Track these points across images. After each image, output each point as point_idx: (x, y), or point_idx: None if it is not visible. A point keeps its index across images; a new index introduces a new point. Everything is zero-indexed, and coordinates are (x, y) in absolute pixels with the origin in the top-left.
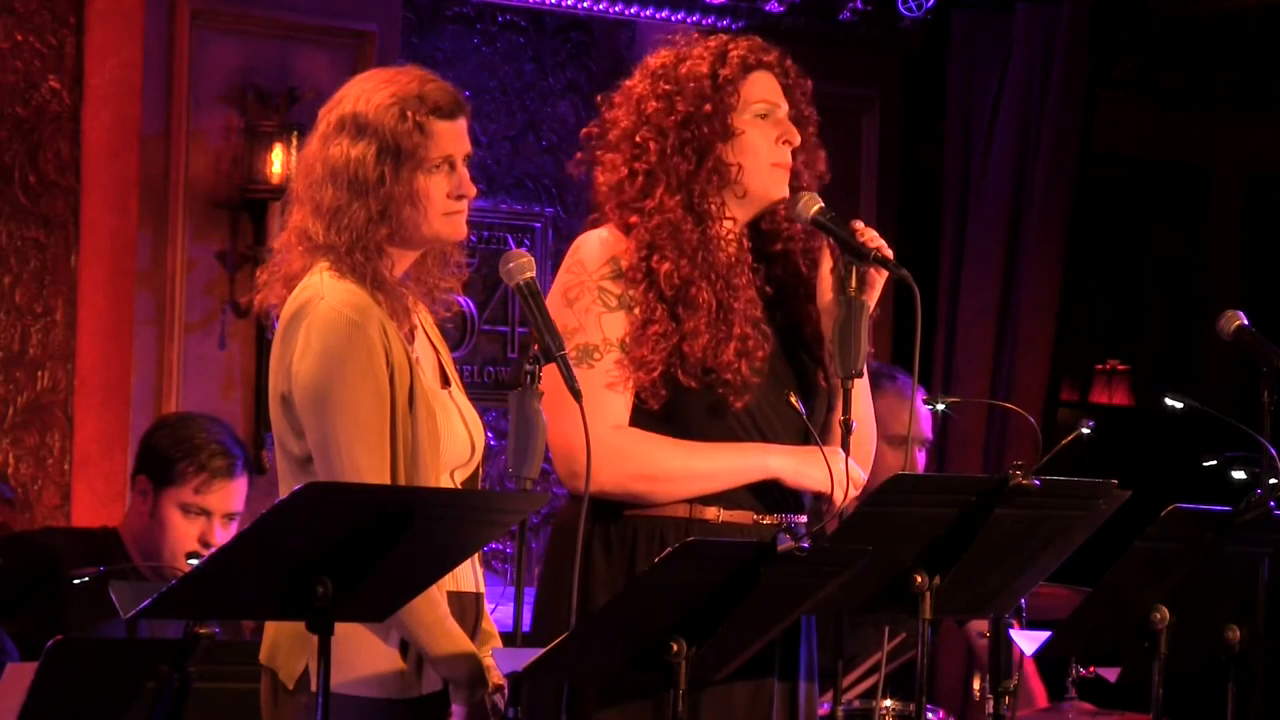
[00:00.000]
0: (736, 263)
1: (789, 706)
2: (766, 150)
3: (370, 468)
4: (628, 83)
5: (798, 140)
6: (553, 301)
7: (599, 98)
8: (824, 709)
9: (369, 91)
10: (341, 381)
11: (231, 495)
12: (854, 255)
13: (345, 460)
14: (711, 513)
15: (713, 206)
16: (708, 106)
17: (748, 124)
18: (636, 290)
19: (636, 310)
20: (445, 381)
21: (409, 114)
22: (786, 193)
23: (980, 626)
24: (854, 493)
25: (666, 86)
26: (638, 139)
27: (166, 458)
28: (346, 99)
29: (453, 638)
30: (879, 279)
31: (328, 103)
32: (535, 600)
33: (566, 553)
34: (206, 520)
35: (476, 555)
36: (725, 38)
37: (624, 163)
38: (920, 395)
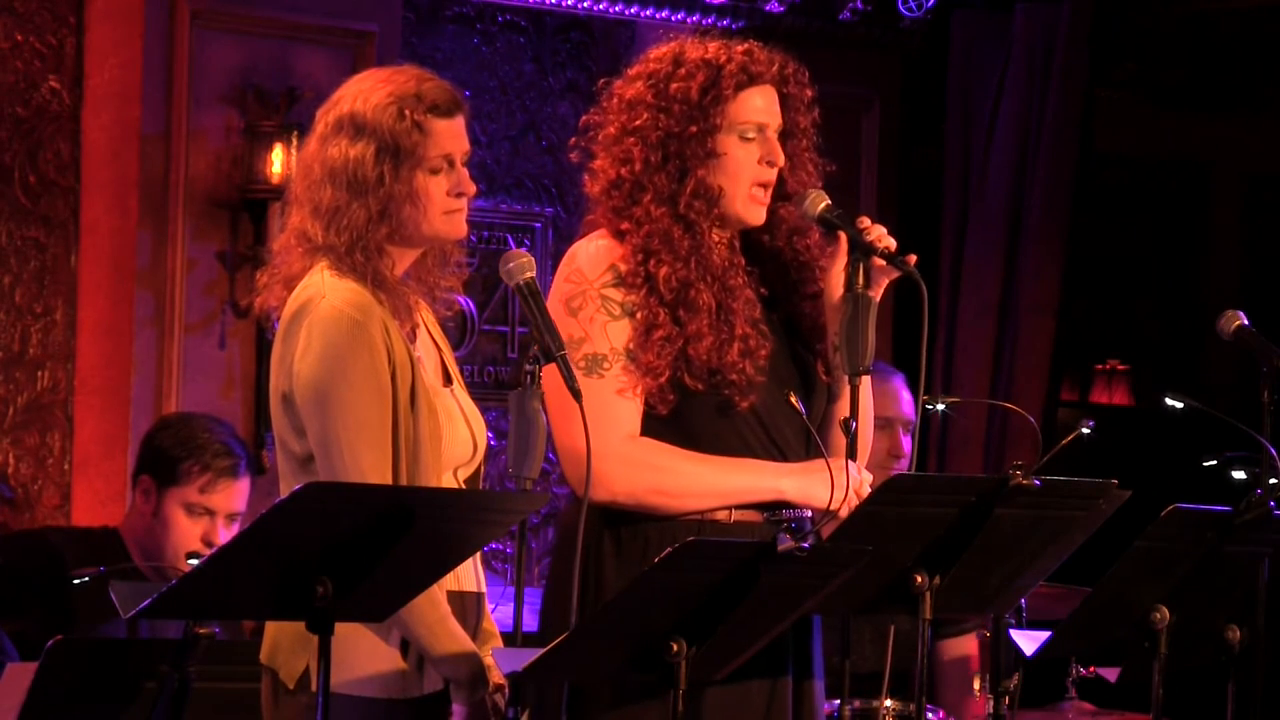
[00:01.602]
0: (730, 265)
1: (803, 705)
2: (749, 172)
3: (372, 466)
4: (630, 72)
5: (781, 161)
6: (554, 311)
7: (600, 82)
8: (826, 708)
9: (366, 91)
10: (343, 380)
11: (235, 495)
12: (860, 252)
13: (347, 459)
14: (723, 514)
15: (699, 217)
16: (692, 128)
17: (731, 145)
18: (638, 295)
19: (639, 315)
20: (448, 380)
21: (407, 113)
22: (763, 218)
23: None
24: (855, 501)
25: (655, 100)
26: (625, 146)
27: (171, 457)
28: (344, 99)
29: (454, 637)
30: (885, 277)
31: (325, 103)
32: (542, 602)
33: (572, 554)
34: (210, 520)
35: (477, 555)
36: (723, 48)
37: (612, 167)
38: (899, 379)
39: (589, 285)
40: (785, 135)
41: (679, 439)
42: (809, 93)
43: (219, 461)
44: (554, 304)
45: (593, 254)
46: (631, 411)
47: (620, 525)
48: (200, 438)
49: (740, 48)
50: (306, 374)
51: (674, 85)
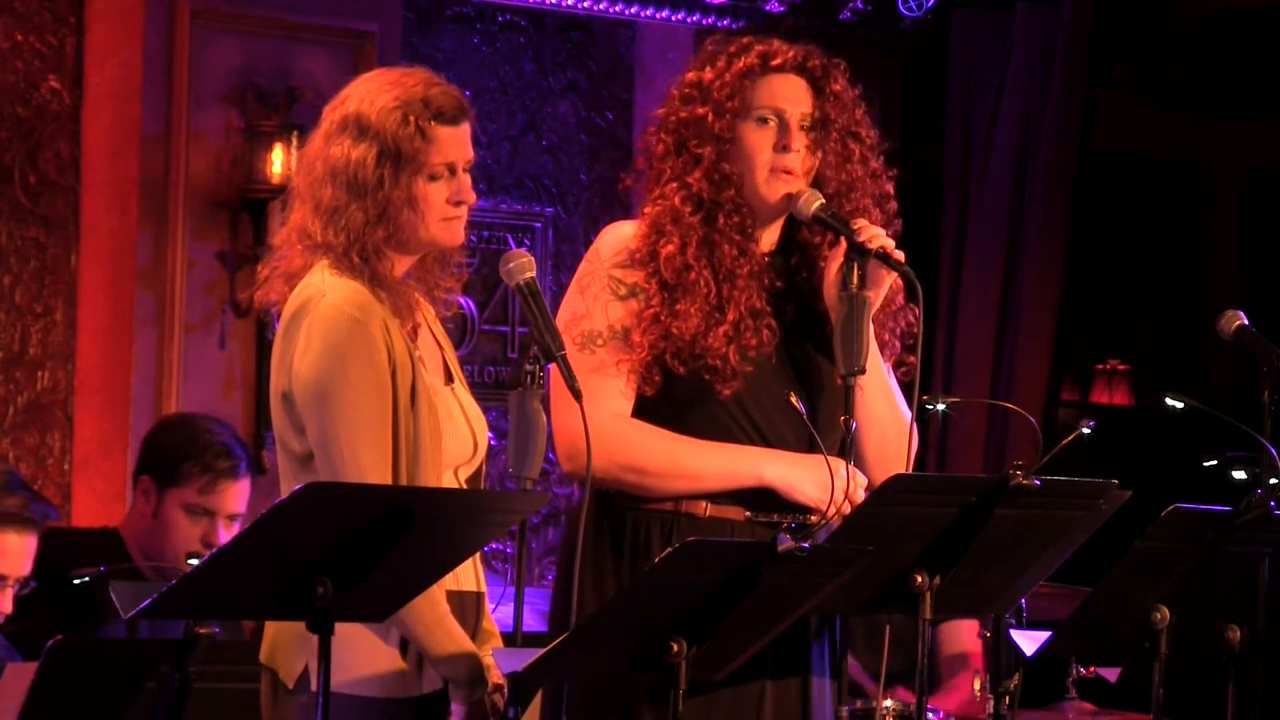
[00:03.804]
0: (743, 254)
1: (799, 705)
2: (763, 157)
3: (372, 465)
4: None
5: (796, 145)
6: (569, 289)
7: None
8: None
9: (374, 93)
10: (343, 379)
11: (235, 496)
12: (855, 252)
13: (347, 458)
14: (700, 507)
15: (715, 207)
16: (699, 111)
17: (746, 131)
18: (642, 273)
19: (640, 296)
20: (449, 378)
21: (411, 118)
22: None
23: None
24: (848, 509)
25: (674, 91)
26: (650, 139)
27: (171, 458)
28: (351, 98)
29: (453, 637)
30: (885, 277)
31: (332, 100)
32: (550, 602)
33: (570, 551)
34: (210, 521)
35: (477, 555)
36: (747, 43)
37: (641, 158)
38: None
39: (600, 265)
40: (816, 125)
41: (665, 422)
42: (837, 86)
43: (219, 462)
44: (572, 282)
45: (614, 236)
46: (616, 390)
47: (604, 516)
48: (201, 438)
49: (760, 41)
50: (306, 373)
51: (689, 74)
